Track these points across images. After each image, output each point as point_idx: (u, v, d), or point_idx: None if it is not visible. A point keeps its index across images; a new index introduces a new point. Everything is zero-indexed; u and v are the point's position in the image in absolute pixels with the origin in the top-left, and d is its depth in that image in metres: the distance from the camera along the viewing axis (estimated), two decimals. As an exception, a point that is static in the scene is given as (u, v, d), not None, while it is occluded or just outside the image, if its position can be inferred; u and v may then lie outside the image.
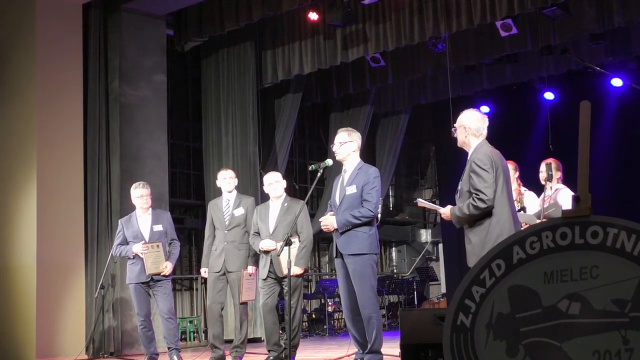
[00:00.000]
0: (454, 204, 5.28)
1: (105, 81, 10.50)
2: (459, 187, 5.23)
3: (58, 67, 9.95)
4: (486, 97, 14.26)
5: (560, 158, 7.46)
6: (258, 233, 7.18)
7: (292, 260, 6.14)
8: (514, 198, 6.96)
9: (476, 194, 4.99)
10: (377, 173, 6.22)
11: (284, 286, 6.98)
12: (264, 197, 7.35)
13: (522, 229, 5.26)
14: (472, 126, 5.24)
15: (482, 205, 4.97)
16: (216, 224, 7.61)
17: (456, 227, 5.38)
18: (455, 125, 5.35)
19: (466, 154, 5.31)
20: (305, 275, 11.63)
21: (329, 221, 6.18)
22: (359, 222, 6.04)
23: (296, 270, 6.76)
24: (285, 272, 6.71)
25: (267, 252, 7.00)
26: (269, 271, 7.01)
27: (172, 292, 8.05)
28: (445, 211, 5.34)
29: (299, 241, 6.95)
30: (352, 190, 6.14)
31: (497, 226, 5.00)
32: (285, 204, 7.15)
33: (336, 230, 6.14)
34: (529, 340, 2.60)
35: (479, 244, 5.01)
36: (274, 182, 7.20)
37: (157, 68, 10.94)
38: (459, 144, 5.38)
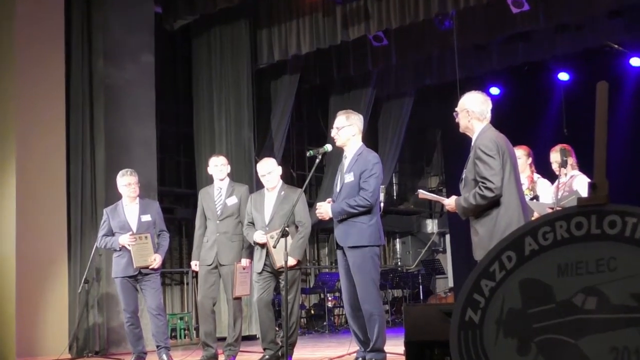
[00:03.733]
0: (459, 193, 5.26)
1: (88, 62, 10.47)
2: (464, 176, 5.21)
3: (38, 46, 9.90)
4: (496, 78, 14.25)
5: (576, 142, 7.44)
6: (252, 223, 7.17)
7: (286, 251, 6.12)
8: (527, 186, 6.96)
9: (482, 183, 4.98)
10: (377, 159, 6.20)
11: (280, 280, 6.97)
12: (259, 186, 7.34)
13: (532, 219, 5.26)
14: (475, 109, 5.23)
15: (489, 194, 4.95)
16: (207, 213, 7.60)
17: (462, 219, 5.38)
18: (457, 109, 5.33)
19: (473, 139, 5.30)
20: (304, 268, 11.68)
21: (324, 209, 6.18)
22: (354, 211, 6.02)
23: (290, 261, 6.75)
24: (278, 264, 6.72)
25: (262, 245, 7.00)
26: (265, 264, 7.01)
27: (162, 286, 8.06)
28: (450, 202, 5.31)
29: (297, 231, 6.95)
30: (350, 178, 6.13)
31: (505, 216, 4.98)
32: (282, 193, 7.14)
33: (332, 219, 6.14)
34: (542, 337, 2.59)
35: (486, 235, 4.99)
36: (267, 174, 7.14)
37: (145, 48, 10.91)
38: (461, 130, 5.37)
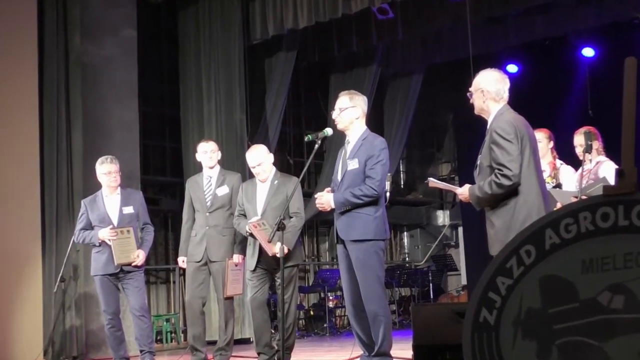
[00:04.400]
0: (474, 182, 5.27)
1: (64, 37, 10.45)
2: (478, 162, 5.23)
3: (7, 21, 9.89)
4: (513, 55, 14.24)
5: (601, 125, 7.44)
6: (244, 215, 7.16)
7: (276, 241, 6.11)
8: (549, 173, 6.96)
9: (499, 170, 4.98)
10: (384, 144, 6.18)
11: (276, 278, 6.97)
12: (252, 174, 7.31)
13: (554, 209, 5.26)
14: (490, 89, 5.23)
15: (506, 182, 4.96)
16: (196, 205, 7.60)
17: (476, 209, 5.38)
18: (471, 89, 5.34)
19: (488, 122, 5.30)
20: (302, 264, 11.66)
21: (325, 199, 6.14)
22: (359, 201, 6.01)
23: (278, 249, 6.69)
24: (269, 251, 6.70)
25: (256, 238, 6.98)
26: (259, 261, 7.00)
27: (146, 285, 8.06)
28: (463, 191, 5.32)
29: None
30: (354, 165, 6.12)
31: (524, 206, 4.99)
32: (275, 182, 7.12)
33: (334, 210, 6.13)
34: (564, 339, 2.59)
35: (503, 228, 5.00)
36: (257, 166, 7.11)
37: (126, 22, 10.89)
38: (476, 111, 5.38)
